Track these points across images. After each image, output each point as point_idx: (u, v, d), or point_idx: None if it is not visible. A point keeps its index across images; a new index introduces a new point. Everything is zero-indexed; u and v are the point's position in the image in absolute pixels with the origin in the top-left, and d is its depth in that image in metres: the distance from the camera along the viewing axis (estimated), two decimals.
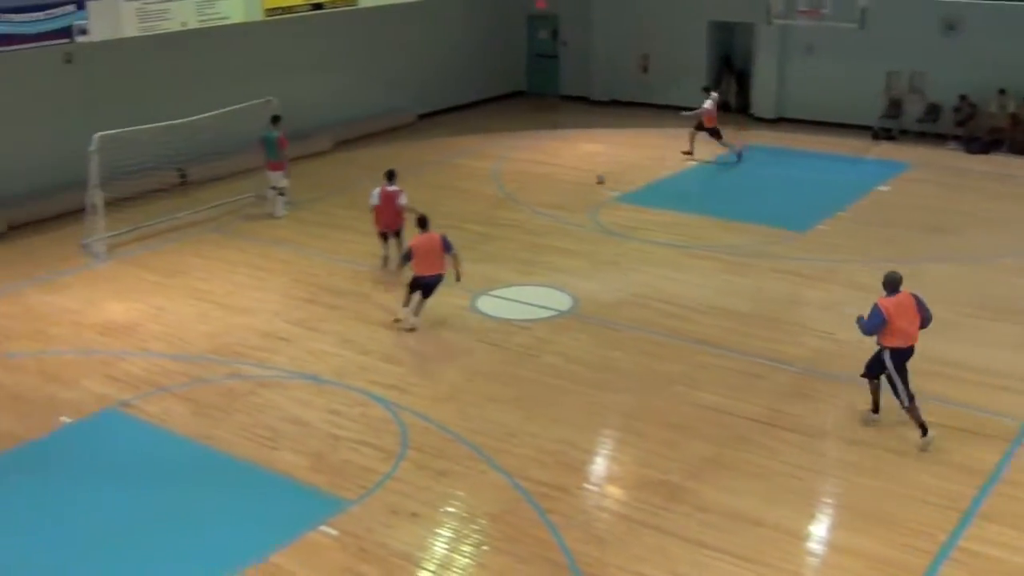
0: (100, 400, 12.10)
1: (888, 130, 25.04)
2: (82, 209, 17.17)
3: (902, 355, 10.87)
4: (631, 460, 10.89)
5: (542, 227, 18.37)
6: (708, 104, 22.78)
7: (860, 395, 11.94)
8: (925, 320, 10.96)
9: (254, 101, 19.31)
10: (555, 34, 30.20)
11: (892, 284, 10.89)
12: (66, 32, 16.42)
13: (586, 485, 10.44)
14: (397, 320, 14.02)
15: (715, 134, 22.97)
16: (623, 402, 12.02)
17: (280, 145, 18.42)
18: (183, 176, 20.63)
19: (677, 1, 27.39)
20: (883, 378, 11.13)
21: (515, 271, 16.21)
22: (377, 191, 15.83)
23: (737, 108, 27.86)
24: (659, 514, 9.80)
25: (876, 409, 11.41)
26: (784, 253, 16.78)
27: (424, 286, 13.82)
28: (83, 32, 16.67)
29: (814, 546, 9.49)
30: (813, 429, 11.33)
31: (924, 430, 10.87)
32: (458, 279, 14.02)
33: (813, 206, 19.35)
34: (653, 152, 23.87)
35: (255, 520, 9.84)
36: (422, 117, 26.95)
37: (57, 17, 16.27)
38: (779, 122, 26.57)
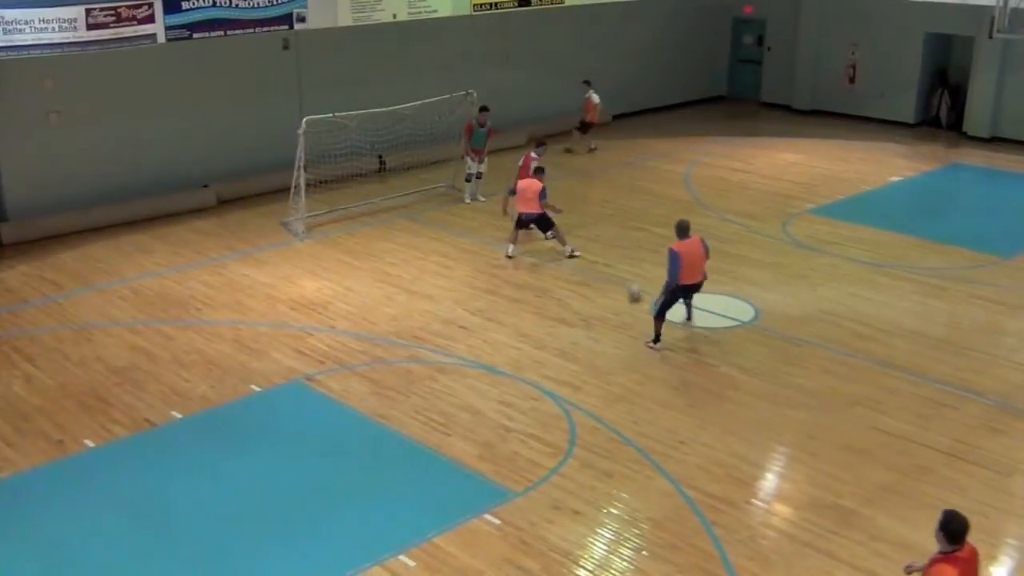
0: (287, 372, 12.66)
1: None
2: (286, 189, 17.99)
3: (689, 289, 13.39)
4: (803, 479, 10.57)
5: (731, 234, 18.04)
6: (596, 97, 23.21)
7: None
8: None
9: (455, 93, 19.77)
10: (760, 39, 29.61)
11: (682, 230, 13.26)
12: (287, 19, 17.33)
13: (754, 500, 10.20)
14: (508, 257, 16.25)
15: (584, 128, 23.40)
16: (800, 420, 11.68)
17: (489, 135, 19.26)
18: (382, 163, 21.33)
19: (893, 10, 26.28)
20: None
21: None
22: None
23: (948, 125, 26.61)
24: (828, 538, 9.48)
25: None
26: (986, 279, 15.91)
27: (526, 222, 16.46)
28: (302, 20, 17.53)
29: None
30: (1002, 466, 10.70)
31: (657, 338, 13.30)
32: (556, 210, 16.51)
33: (1021, 231, 18.28)
34: (854, 165, 23.08)
35: (421, 501, 10.08)
36: (617, 117, 26.93)
37: (281, 4, 17.19)
38: (993, 141, 25.20)
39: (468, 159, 19.35)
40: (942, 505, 9.89)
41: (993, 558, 9.35)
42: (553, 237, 16.67)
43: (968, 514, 9.77)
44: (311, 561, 9.11)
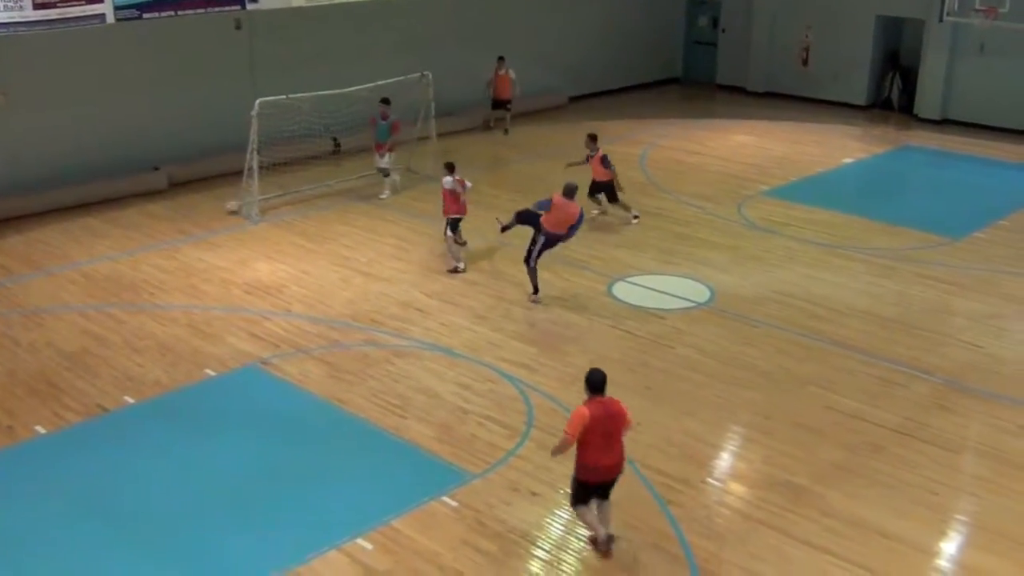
0: (242, 356, 12.56)
1: None
2: (240, 171, 17.81)
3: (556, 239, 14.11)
4: (758, 458, 10.69)
5: (686, 217, 18.15)
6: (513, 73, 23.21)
7: (1006, 412, 11.45)
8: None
9: (410, 75, 19.65)
10: (715, 21, 29.71)
11: (570, 191, 13.96)
12: None
13: (709, 480, 10.30)
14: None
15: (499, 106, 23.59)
16: (754, 399, 11.81)
17: (393, 129, 18.49)
18: (337, 145, 21.16)
19: None
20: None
21: (655, 259, 16.07)
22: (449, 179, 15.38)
23: (900, 107, 26.90)
24: (782, 515, 9.60)
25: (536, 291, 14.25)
26: (936, 259, 16.15)
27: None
28: (255, 0, 17.30)
29: (942, 563, 9.14)
30: (951, 443, 10.90)
31: (535, 290, 14.23)
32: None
33: (971, 213, 18.55)
34: (807, 148, 23.29)
35: (379, 484, 10.08)
36: (573, 99, 26.93)
37: None
38: (944, 123, 25.52)
39: (375, 154, 18.88)
40: (894, 483, 10.14)
41: (943, 534, 9.53)
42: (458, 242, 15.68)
43: (918, 491, 10.02)
44: (268, 545, 9.07)
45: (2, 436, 10.74)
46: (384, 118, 18.44)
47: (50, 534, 9.20)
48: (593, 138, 17.28)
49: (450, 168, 15.32)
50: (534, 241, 14.12)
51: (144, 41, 18.56)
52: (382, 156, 18.68)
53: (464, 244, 15.53)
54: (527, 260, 14.19)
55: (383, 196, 18.87)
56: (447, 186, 15.15)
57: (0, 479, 10.01)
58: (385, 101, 18.53)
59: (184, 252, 16.05)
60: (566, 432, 8.69)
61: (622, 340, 13.24)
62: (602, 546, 9.00)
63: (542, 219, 14.00)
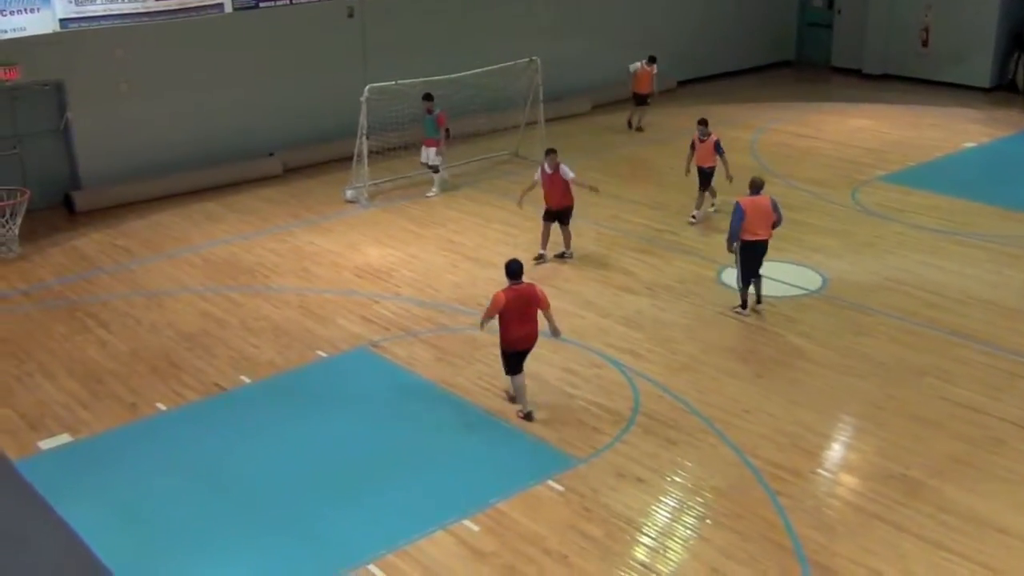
0: (353, 339, 12.79)
1: None
2: (351, 157, 18.10)
3: (754, 248, 13.05)
4: (871, 450, 10.44)
5: (798, 202, 17.77)
6: (636, 66, 22.39)
7: None
8: (778, 221, 13.18)
9: (518, 60, 19.68)
10: (830, 2, 29.01)
11: (754, 186, 13.12)
12: None
13: (820, 471, 10.10)
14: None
15: (641, 101, 22.63)
16: (868, 390, 11.53)
17: (438, 122, 17.94)
18: (447, 131, 21.30)
19: None
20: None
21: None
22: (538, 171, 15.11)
23: None
24: (895, 509, 9.36)
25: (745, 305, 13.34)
26: None
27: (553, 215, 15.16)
28: None
29: None
30: None
31: (744, 304, 13.29)
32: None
33: None
34: (926, 131, 22.58)
35: (485, 467, 10.16)
36: (682, 84, 26.61)
37: None
38: None
39: (423, 149, 18.36)
40: (1015, 479, 9.81)
41: None
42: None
43: None
44: (377, 524, 9.23)
45: (126, 412, 11.16)
46: (429, 112, 17.88)
47: (169, 508, 9.53)
48: (704, 123, 16.82)
49: (548, 153, 14.99)
50: (730, 245, 13.30)
51: (259, 30, 19.01)
52: (434, 152, 18.11)
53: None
54: (741, 281, 13.30)
55: (430, 194, 18.23)
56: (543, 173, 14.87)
57: (124, 453, 10.41)
58: (427, 97, 17.87)
59: (297, 236, 16.41)
60: (486, 311, 10.71)
61: (731, 327, 13.07)
62: (522, 411, 10.82)
63: (742, 233, 13.03)
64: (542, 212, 15.12)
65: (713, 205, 17.08)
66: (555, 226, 15.11)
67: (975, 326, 12.99)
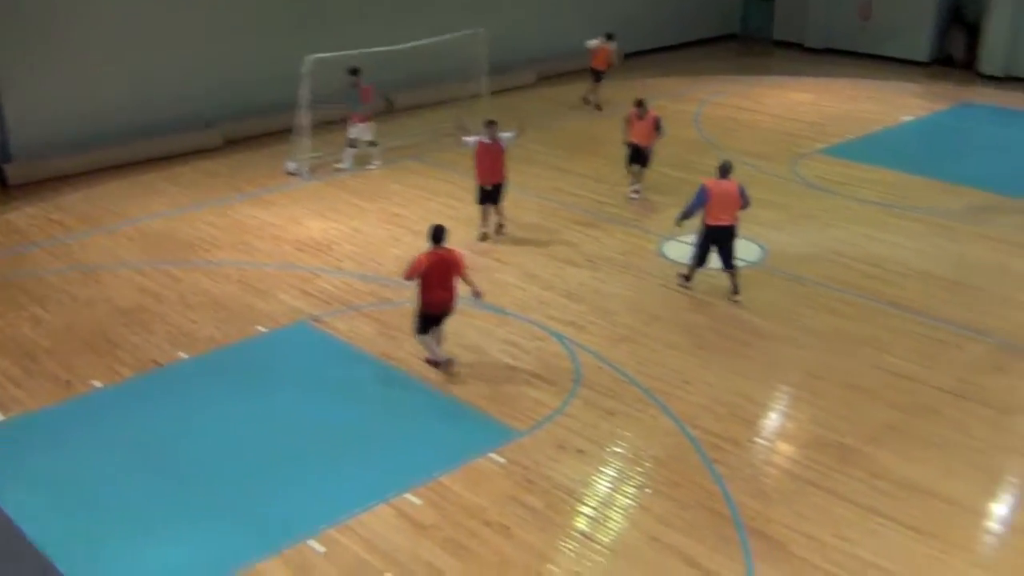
0: (293, 313, 12.70)
1: None
2: (292, 129, 17.89)
3: (715, 232, 12.83)
4: (807, 418, 10.60)
5: (740, 175, 17.61)
6: (594, 43, 22.06)
7: None
8: (744, 206, 12.94)
9: (463, 31, 19.56)
10: None
11: (723, 170, 12.91)
12: None
13: (758, 439, 10.24)
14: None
15: (596, 77, 22.27)
16: (805, 360, 11.69)
17: (363, 97, 17.57)
18: (390, 103, 21.18)
19: None
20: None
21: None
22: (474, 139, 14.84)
23: (962, 63, 26.26)
24: (830, 475, 9.53)
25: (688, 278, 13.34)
26: (997, 220, 15.81)
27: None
28: None
29: (993, 525, 9.02)
30: (1006, 405, 10.72)
31: (687, 277, 13.28)
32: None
33: None
34: (865, 105, 22.87)
35: (427, 440, 10.15)
36: (628, 56, 26.59)
37: None
38: (1008, 80, 24.87)
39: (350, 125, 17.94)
40: (945, 444, 10.02)
41: (994, 496, 9.40)
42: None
43: (970, 452, 9.89)
44: (318, 499, 9.20)
45: (60, 390, 10.98)
46: (354, 86, 17.50)
47: (106, 486, 9.40)
48: (640, 104, 16.35)
49: (487, 125, 14.74)
50: (681, 219, 13.24)
51: None
52: (357, 126, 17.76)
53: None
54: (692, 260, 13.25)
55: (341, 165, 17.97)
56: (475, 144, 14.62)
57: (58, 432, 10.24)
58: (353, 71, 17.44)
59: (237, 209, 16.22)
60: (405, 273, 10.93)
61: (673, 299, 13.17)
62: (443, 367, 11.14)
63: (705, 216, 12.91)
64: (476, 194, 14.94)
65: (634, 194, 16.70)
66: None
67: (911, 297, 13.22)
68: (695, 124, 21.12)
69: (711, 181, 12.93)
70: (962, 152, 20.32)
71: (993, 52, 25.26)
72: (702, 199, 12.80)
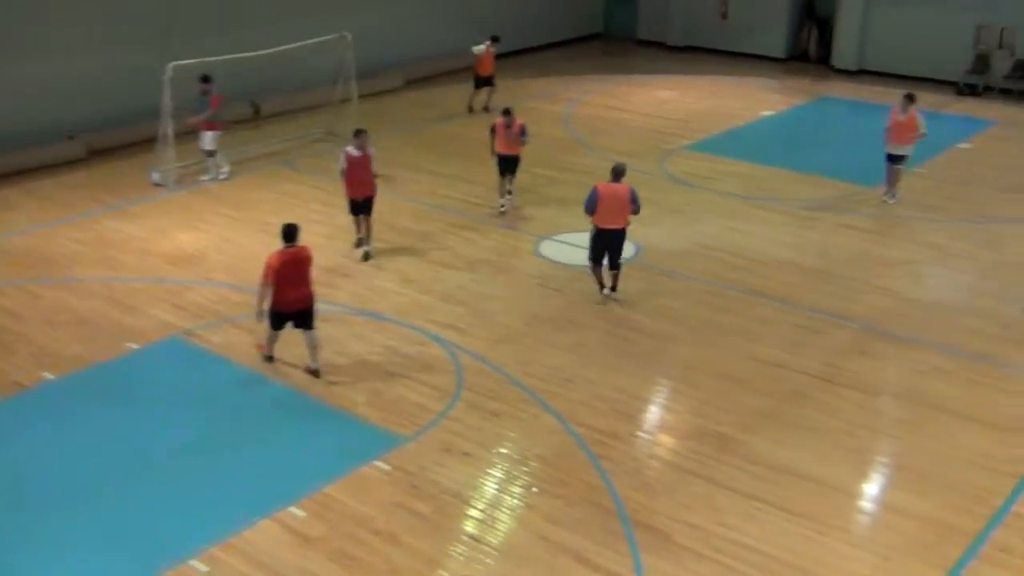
0: (165, 328, 12.36)
1: (973, 86, 24.31)
2: (156, 138, 17.40)
3: (605, 236, 12.78)
4: (685, 410, 10.85)
5: (610, 172, 18.17)
6: (481, 48, 21.73)
7: (921, 354, 11.79)
8: (634, 211, 12.86)
9: (328, 36, 19.35)
10: None
11: (615, 173, 12.84)
12: None
13: (639, 433, 10.43)
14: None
15: (485, 83, 21.94)
16: (681, 352, 11.96)
17: (211, 104, 16.99)
18: (256, 109, 20.82)
19: None
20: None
21: (580, 216, 15.95)
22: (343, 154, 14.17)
23: (817, 58, 27.24)
24: (710, 464, 9.77)
25: (602, 288, 13.16)
26: (856, 208, 16.46)
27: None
28: None
29: (865, 504, 9.40)
30: (871, 387, 11.18)
31: (601, 287, 13.10)
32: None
33: None
34: (727, 101, 23.50)
35: (310, 452, 10.02)
36: (495, 58, 26.70)
37: None
38: (860, 74, 25.92)
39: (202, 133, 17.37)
40: (817, 428, 10.39)
41: (864, 475, 9.79)
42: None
43: (840, 435, 10.28)
44: (199, 518, 8.98)
45: None
46: (203, 94, 16.97)
47: None
48: (508, 112, 15.88)
49: (357, 134, 14.15)
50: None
51: (58, 4, 17.98)
52: (205, 135, 17.25)
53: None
54: (590, 262, 13.11)
55: (208, 177, 17.49)
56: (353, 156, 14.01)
57: None
58: (204, 79, 16.95)
59: (101, 223, 15.70)
60: (261, 279, 10.86)
61: (550, 298, 13.30)
62: (310, 372, 11.22)
63: (595, 218, 12.80)
64: (347, 204, 14.41)
65: (503, 207, 16.22)
66: None
67: (776, 286, 13.65)
68: (564, 124, 21.36)
69: (602, 184, 12.83)
70: (820, 144, 21.05)
71: (845, 47, 26.27)
72: (592, 201, 12.72)
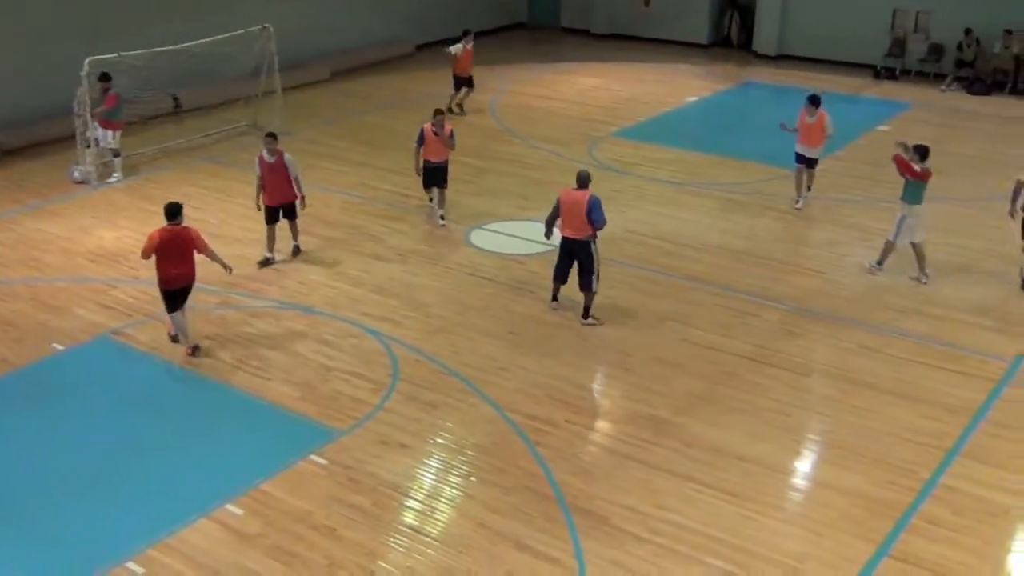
0: (92, 328, 12.12)
1: (891, 69, 24.84)
2: (74, 135, 17.01)
3: (563, 244, 12.25)
4: (620, 395, 10.95)
5: (539, 161, 18.27)
6: (458, 47, 20.62)
7: (848, 333, 12.03)
8: (593, 226, 12.02)
9: (250, 28, 19.10)
10: None
11: (578, 180, 12.17)
12: None
13: (575, 419, 10.48)
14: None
15: (466, 83, 20.93)
16: (615, 338, 12.06)
17: (106, 103, 16.54)
18: (177, 103, 20.47)
19: None
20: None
21: (510, 205, 16.15)
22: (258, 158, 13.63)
23: (739, 44, 27.62)
24: (646, 448, 9.88)
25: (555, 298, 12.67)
26: (780, 191, 16.70)
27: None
28: None
29: (798, 481, 9.58)
30: (800, 366, 11.39)
31: (554, 298, 12.63)
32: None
33: None
34: (652, 88, 23.71)
35: (244, 448, 9.92)
36: (420, 47, 26.65)
37: None
38: (780, 59, 26.34)
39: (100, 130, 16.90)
40: (749, 409, 10.55)
41: (797, 454, 9.98)
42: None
43: (772, 414, 10.44)
44: (135, 519, 8.83)
45: None
46: (104, 92, 16.53)
47: None
48: (441, 112, 15.06)
49: (267, 138, 13.55)
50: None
51: None
52: (106, 133, 16.80)
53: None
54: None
55: (112, 180, 16.99)
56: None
57: None
58: (103, 77, 16.49)
59: (21, 223, 15.31)
60: (141, 253, 11.33)
61: (482, 287, 13.31)
62: (189, 351, 11.45)
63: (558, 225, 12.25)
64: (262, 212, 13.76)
65: (443, 219, 15.21)
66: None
67: (707, 270, 13.82)
68: (492, 113, 21.36)
69: (564, 191, 12.26)
70: (745, 129, 21.35)
71: (766, 33, 26.65)
72: (554, 208, 12.23)
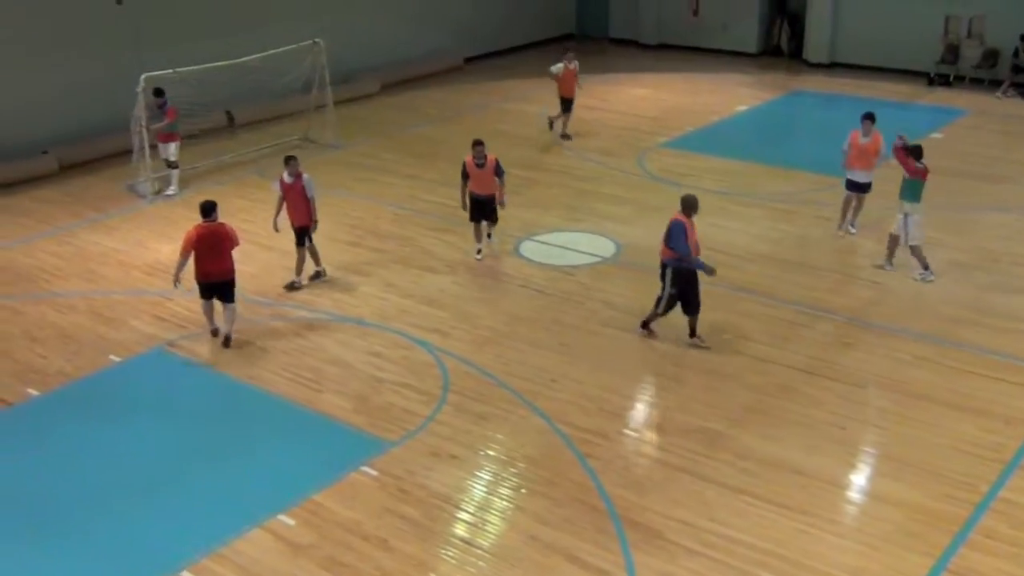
0: (148, 340, 12.30)
1: (944, 76, 24.50)
2: (131, 150, 17.30)
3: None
4: (672, 407, 10.88)
5: (589, 173, 18.25)
6: (559, 67, 19.77)
7: (904, 344, 11.86)
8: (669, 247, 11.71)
9: (300, 43, 19.31)
10: None
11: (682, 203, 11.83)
12: None
13: (626, 431, 10.45)
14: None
15: (567, 106, 19.95)
16: (665, 349, 11.99)
17: (167, 117, 16.93)
18: (231, 118, 20.74)
19: None
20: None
21: (560, 217, 16.15)
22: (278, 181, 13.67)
23: (790, 53, 27.41)
24: (698, 461, 9.80)
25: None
26: (832, 201, 16.47)
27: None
28: None
29: (853, 495, 9.46)
30: (856, 378, 11.24)
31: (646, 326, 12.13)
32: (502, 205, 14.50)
33: None
34: (702, 97, 23.59)
35: (297, 460, 10.00)
36: (469, 60, 26.77)
37: None
38: (832, 67, 26.08)
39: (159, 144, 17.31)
40: (804, 421, 10.44)
41: (852, 467, 9.84)
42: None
43: (826, 427, 10.31)
44: (189, 529, 8.94)
45: None
46: (160, 108, 16.92)
47: None
48: (480, 144, 14.09)
49: (287, 162, 13.46)
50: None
51: (24, 20, 17.84)
52: (167, 147, 17.21)
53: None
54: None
55: (169, 192, 17.27)
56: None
57: None
58: (157, 92, 16.88)
59: (79, 236, 15.60)
60: (180, 251, 11.80)
61: (533, 299, 13.31)
62: (221, 341, 11.98)
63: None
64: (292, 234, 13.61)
65: (480, 252, 14.55)
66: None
67: (758, 280, 13.71)
68: (541, 124, 21.34)
69: (679, 215, 11.80)
70: (795, 138, 21.19)
71: (817, 41, 26.42)
72: (681, 231, 11.64)
